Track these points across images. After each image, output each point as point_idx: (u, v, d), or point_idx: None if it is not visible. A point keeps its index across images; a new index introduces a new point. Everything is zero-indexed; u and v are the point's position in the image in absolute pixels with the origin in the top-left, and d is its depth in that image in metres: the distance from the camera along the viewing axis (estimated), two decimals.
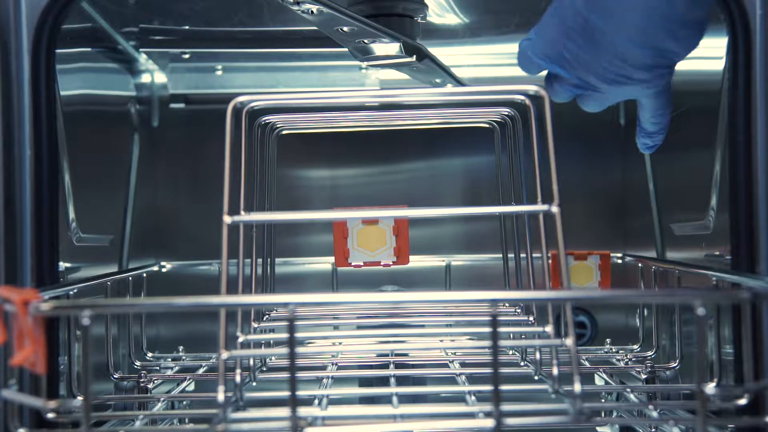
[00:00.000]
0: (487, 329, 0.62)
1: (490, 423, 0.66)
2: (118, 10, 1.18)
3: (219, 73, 1.41)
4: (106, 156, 1.21)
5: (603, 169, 1.41)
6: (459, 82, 1.22)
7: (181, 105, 1.42)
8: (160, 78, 1.41)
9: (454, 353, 1.04)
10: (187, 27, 1.29)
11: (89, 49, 1.12)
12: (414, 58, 1.11)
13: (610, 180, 1.41)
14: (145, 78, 1.39)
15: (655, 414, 0.83)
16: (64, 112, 0.93)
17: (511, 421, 0.63)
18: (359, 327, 1.12)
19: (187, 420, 1.05)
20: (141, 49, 1.33)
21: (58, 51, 0.88)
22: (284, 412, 0.65)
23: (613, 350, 1.20)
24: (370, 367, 1.05)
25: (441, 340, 1.10)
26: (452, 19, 1.20)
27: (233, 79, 1.42)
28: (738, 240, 0.86)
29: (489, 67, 1.39)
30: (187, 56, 1.38)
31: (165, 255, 1.39)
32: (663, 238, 1.20)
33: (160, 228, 1.40)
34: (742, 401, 0.75)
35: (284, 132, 1.13)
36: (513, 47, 1.38)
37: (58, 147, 0.88)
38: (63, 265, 0.93)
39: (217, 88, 1.42)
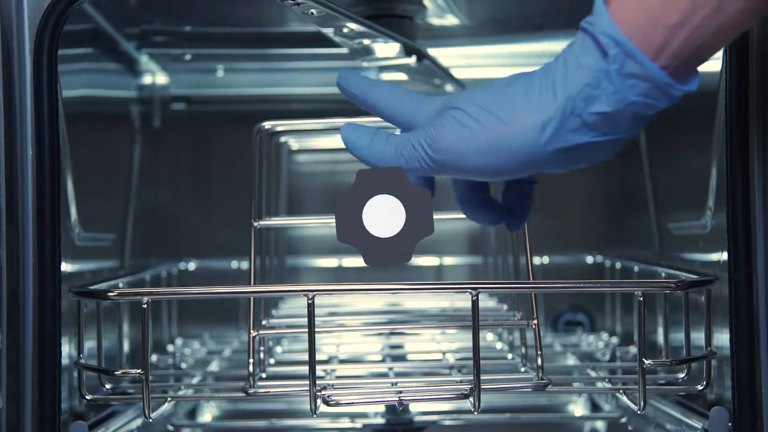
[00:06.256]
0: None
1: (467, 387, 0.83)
2: (119, 11, 1.19)
3: (220, 73, 1.42)
4: (107, 156, 1.22)
5: (601, 169, 1.40)
6: (458, 83, 1.23)
7: (183, 106, 1.42)
8: (162, 79, 1.41)
9: (449, 350, 1.15)
10: (188, 28, 1.29)
11: (91, 50, 1.13)
12: (413, 59, 1.12)
13: (607, 180, 1.42)
14: (147, 79, 1.39)
15: (608, 385, 1.02)
16: (66, 113, 0.93)
17: (487, 386, 0.81)
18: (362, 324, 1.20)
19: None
20: (142, 50, 1.34)
21: (60, 52, 0.89)
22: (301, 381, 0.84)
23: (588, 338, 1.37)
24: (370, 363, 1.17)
25: (441, 334, 1.23)
26: (451, 20, 1.20)
27: (234, 79, 1.43)
28: (735, 239, 0.87)
29: (488, 68, 1.39)
30: (188, 57, 1.39)
31: (165, 255, 1.40)
32: (661, 238, 1.21)
33: (161, 228, 1.40)
34: (681, 375, 0.93)
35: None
36: (513, 48, 1.40)
37: (60, 147, 0.89)
38: (64, 265, 0.94)
39: (219, 88, 1.43)
